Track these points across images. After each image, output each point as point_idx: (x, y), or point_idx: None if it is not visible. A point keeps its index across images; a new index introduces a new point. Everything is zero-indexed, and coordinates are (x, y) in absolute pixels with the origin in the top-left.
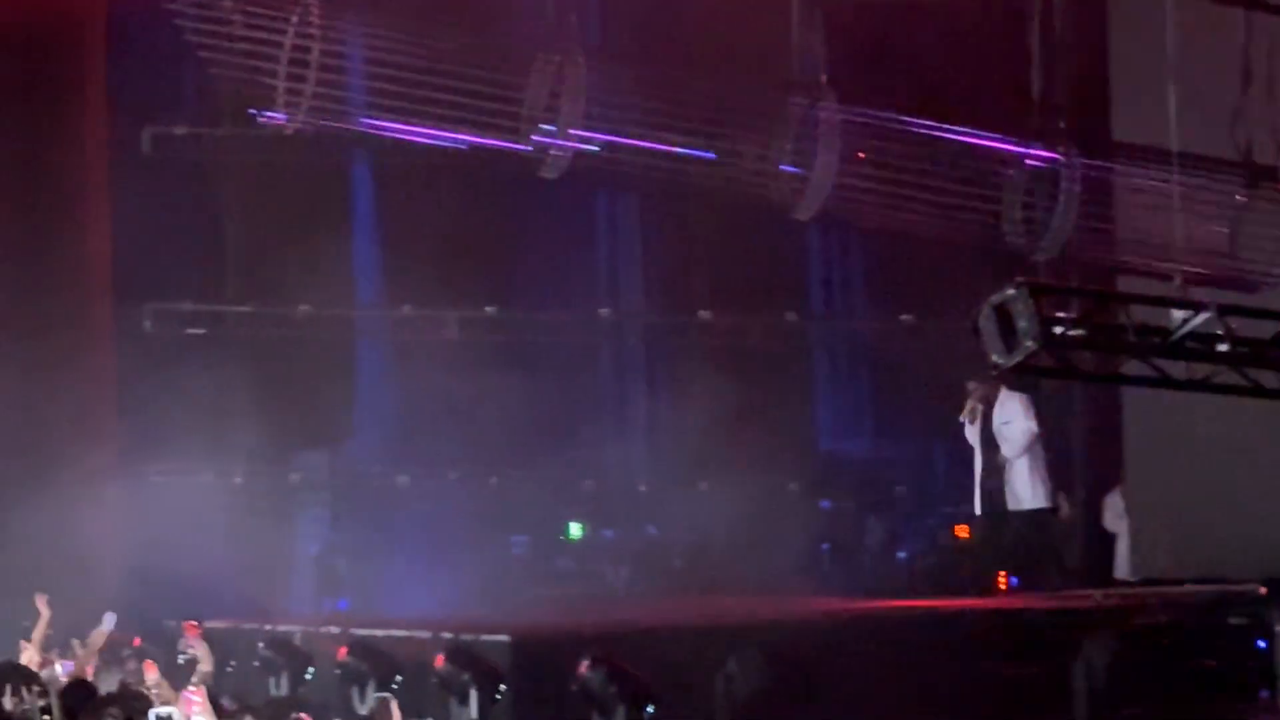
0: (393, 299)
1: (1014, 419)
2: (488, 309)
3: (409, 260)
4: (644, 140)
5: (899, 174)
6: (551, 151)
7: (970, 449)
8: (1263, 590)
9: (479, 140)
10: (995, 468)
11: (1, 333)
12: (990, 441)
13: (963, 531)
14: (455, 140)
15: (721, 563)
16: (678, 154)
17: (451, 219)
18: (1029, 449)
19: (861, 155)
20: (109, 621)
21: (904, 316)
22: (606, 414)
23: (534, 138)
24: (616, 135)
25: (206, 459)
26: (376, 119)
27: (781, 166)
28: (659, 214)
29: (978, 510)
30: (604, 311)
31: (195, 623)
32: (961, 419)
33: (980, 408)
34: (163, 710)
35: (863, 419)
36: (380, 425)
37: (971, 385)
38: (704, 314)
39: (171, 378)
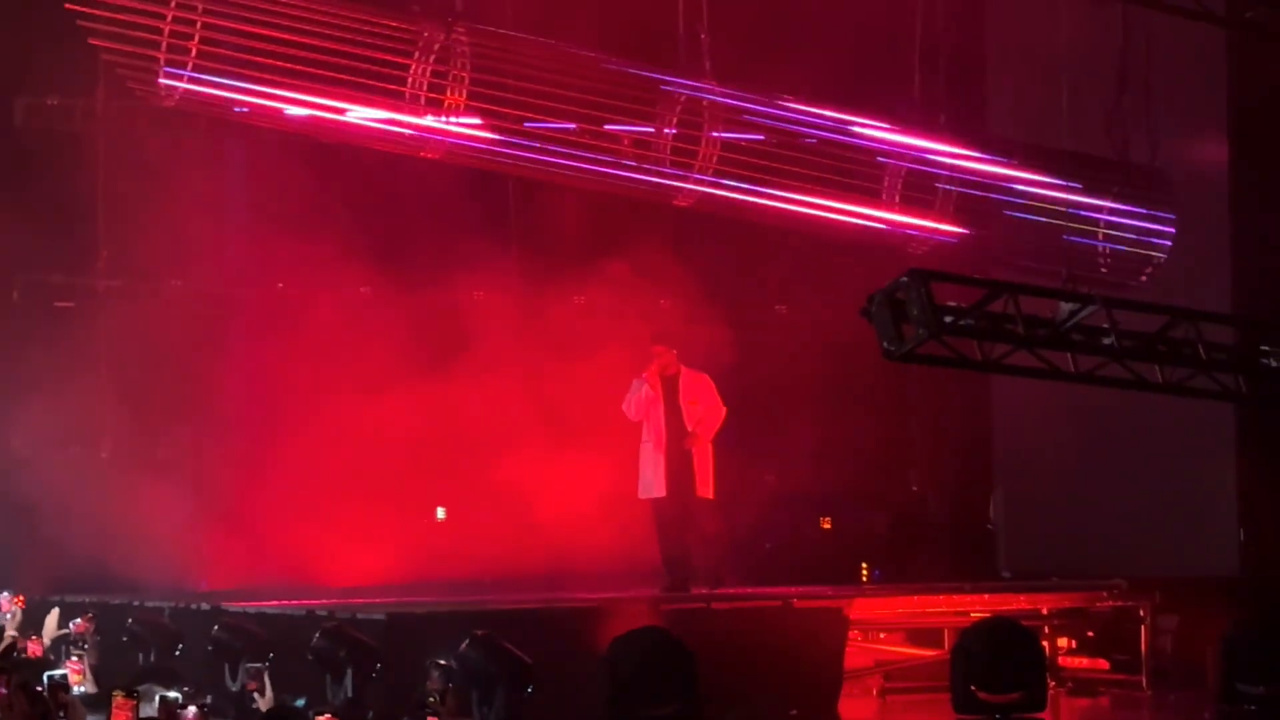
0: (265, 276)
1: (703, 399)
2: (362, 289)
3: (284, 238)
4: None
5: (777, 164)
6: None
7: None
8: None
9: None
10: (681, 450)
11: None
12: (677, 417)
13: (827, 523)
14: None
15: None
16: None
17: (331, 198)
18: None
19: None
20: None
21: (778, 307)
22: None
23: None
24: None
25: (73, 432)
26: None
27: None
28: None
29: (663, 492)
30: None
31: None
32: (641, 380)
33: (662, 376)
34: (56, 673)
35: None
36: (248, 401)
37: (658, 349)
38: None
39: (39, 350)
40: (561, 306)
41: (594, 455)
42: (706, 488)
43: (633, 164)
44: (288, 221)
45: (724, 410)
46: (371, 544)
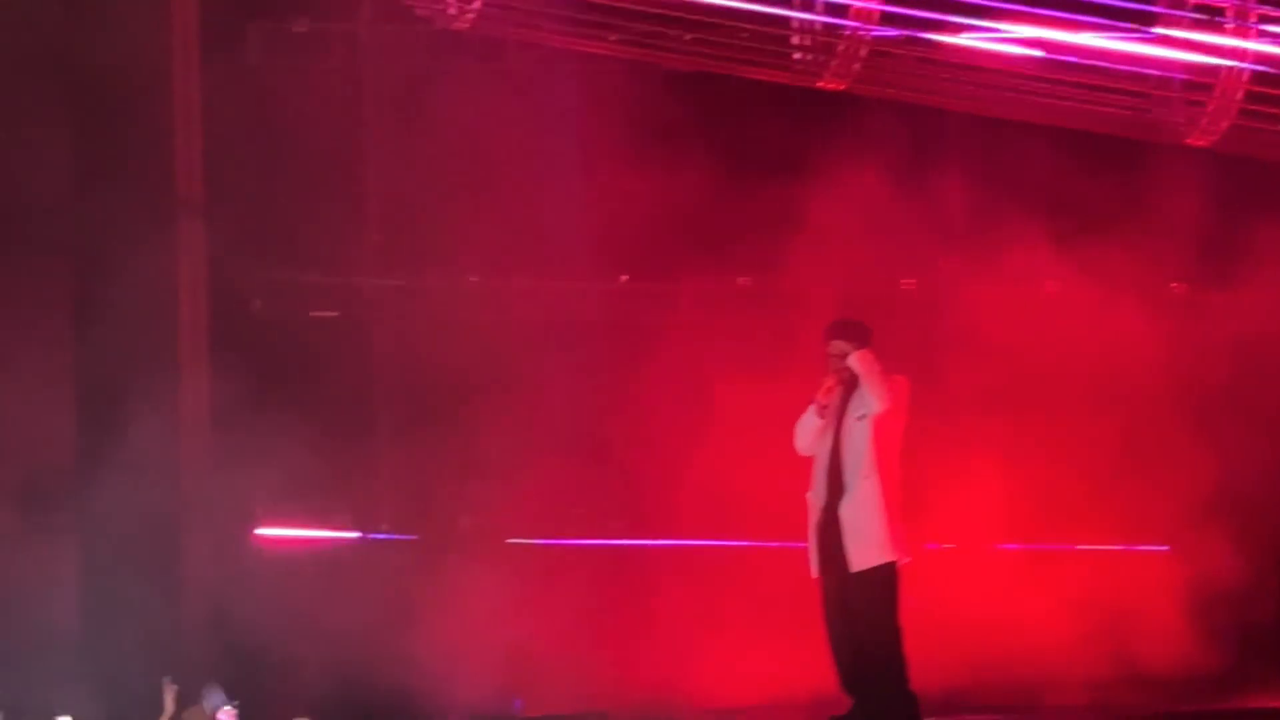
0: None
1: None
2: (740, 280)
3: (629, 214)
4: None
5: None
6: None
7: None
8: None
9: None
10: (836, 495)
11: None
12: (839, 454)
13: None
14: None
15: None
16: None
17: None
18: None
19: None
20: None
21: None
22: None
23: None
24: None
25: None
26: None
27: None
28: None
29: (815, 570)
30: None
31: None
32: (821, 403)
33: (839, 391)
34: None
35: None
36: (595, 443)
37: (834, 351)
38: None
39: (289, 379)
40: None
41: None
42: (871, 551)
43: None
44: (633, 194)
45: (887, 400)
46: (779, 644)
